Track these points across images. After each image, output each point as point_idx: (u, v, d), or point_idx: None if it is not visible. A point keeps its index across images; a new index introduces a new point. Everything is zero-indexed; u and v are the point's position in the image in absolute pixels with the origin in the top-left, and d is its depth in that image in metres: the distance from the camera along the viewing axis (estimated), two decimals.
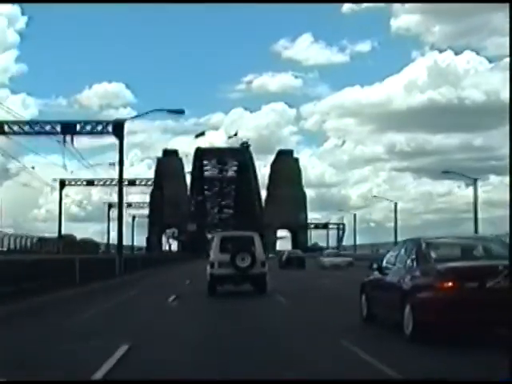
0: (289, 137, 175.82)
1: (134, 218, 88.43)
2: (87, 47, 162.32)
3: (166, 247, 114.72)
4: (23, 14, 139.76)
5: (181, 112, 33.58)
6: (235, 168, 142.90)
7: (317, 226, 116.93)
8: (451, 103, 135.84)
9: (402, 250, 10.36)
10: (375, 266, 11.35)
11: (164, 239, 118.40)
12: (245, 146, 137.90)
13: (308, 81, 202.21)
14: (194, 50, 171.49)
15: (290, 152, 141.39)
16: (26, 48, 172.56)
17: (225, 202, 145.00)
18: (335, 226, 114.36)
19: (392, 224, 74.50)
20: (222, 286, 18.46)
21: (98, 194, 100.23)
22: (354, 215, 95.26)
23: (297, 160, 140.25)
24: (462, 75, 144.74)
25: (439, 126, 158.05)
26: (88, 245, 65.54)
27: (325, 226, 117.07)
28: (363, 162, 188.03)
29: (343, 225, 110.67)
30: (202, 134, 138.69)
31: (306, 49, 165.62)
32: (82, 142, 43.07)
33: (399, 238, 63.60)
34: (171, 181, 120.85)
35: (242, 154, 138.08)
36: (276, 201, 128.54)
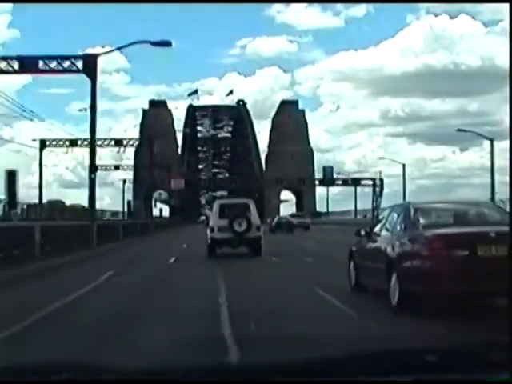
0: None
1: (124, 181, 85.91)
2: (79, 11, 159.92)
3: (156, 212, 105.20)
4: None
5: (167, 44, 27.05)
6: (231, 126, 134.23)
7: (345, 182, 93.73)
8: (446, 68, 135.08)
9: (391, 216, 9.99)
10: (363, 232, 10.99)
11: (154, 204, 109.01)
12: (241, 104, 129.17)
13: (302, 45, 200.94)
14: (187, 15, 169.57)
15: (295, 102, 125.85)
16: (19, 14, 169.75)
17: (220, 163, 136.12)
18: (369, 182, 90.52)
19: (387, 190, 73.46)
20: (220, 248, 20.46)
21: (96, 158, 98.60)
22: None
23: (303, 112, 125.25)
24: (457, 40, 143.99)
25: (434, 91, 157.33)
26: (77, 210, 64.38)
27: (355, 181, 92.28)
28: (357, 127, 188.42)
29: (381, 181, 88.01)
30: (195, 92, 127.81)
31: (301, 13, 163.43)
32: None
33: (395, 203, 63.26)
34: (159, 137, 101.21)
35: (238, 112, 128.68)
36: (278, 159, 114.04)
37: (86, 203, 32.02)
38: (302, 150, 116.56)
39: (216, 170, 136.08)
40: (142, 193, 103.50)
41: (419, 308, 8.23)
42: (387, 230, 9.92)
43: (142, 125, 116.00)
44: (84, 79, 27.85)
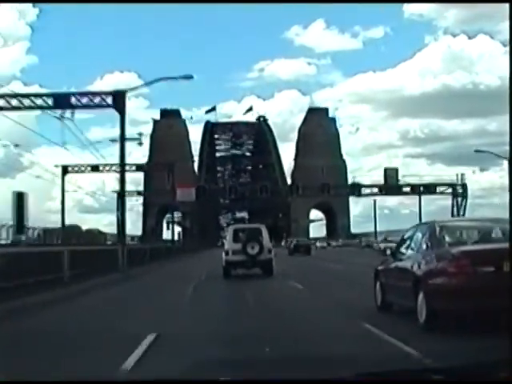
0: None
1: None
2: (98, 38, 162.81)
3: (167, 235, 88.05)
4: (34, 6, 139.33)
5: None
6: (252, 143, 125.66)
7: (413, 190, 75.23)
8: (465, 88, 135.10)
9: (416, 235, 10.28)
10: (389, 251, 11.28)
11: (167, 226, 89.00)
12: (262, 120, 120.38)
13: (321, 68, 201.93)
14: (205, 39, 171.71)
15: (325, 110, 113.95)
16: (37, 40, 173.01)
17: (240, 181, 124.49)
18: (445, 188, 75.24)
19: (406, 211, 72.42)
20: (235, 269, 22.17)
21: (111, 183, 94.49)
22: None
23: (334, 120, 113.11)
24: (475, 60, 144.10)
25: (453, 111, 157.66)
26: (93, 235, 64.76)
27: (428, 188, 74.78)
28: (377, 148, 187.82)
29: (464, 186, 72.89)
30: (213, 109, 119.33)
31: (319, 35, 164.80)
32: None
33: (403, 226, 62.70)
34: (172, 150, 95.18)
35: (259, 128, 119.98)
36: (306, 174, 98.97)
37: (106, 227, 33.26)
38: (334, 162, 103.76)
39: (236, 188, 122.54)
40: (152, 212, 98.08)
41: (447, 325, 8.47)
42: (413, 248, 10.20)
43: (152, 138, 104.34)
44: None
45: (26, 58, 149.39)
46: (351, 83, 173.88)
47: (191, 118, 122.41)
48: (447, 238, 9.30)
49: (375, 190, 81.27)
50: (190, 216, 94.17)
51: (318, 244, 76.79)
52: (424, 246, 9.68)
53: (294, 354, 7.34)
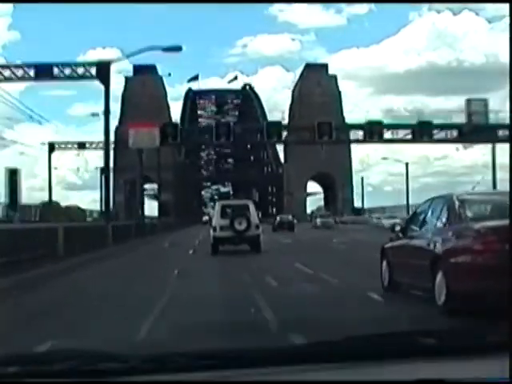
0: (287, 101, 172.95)
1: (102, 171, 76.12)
2: (80, 13, 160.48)
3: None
4: None
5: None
6: (238, 111, 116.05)
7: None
8: (450, 65, 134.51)
9: (430, 210, 9.60)
10: (398, 227, 10.63)
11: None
12: (248, 88, 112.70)
13: (305, 44, 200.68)
14: (188, 14, 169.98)
15: (324, 66, 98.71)
16: (19, 16, 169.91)
17: (224, 151, 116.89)
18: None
19: (388, 188, 71.34)
20: (223, 245, 22.38)
21: (96, 160, 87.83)
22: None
23: (335, 78, 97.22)
24: (460, 36, 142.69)
25: (438, 88, 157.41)
26: (72, 212, 63.08)
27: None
28: (360, 125, 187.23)
29: None
30: (196, 77, 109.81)
31: (303, 11, 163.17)
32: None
33: (402, 202, 63.06)
34: (147, 112, 78.24)
35: (245, 95, 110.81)
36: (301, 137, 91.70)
37: (90, 204, 32.54)
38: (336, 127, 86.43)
39: (219, 158, 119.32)
40: (120, 184, 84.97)
41: (468, 307, 7.83)
42: (427, 224, 9.54)
43: (123, 98, 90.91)
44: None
45: (7, 34, 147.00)
46: (335, 59, 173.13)
47: (169, 74, 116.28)
48: (468, 213, 8.63)
49: None
50: (168, 189, 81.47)
51: (318, 220, 60.28)
52: (442, 222, 9.02)
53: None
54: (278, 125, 50.24)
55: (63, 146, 61.97)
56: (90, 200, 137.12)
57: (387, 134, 47.69)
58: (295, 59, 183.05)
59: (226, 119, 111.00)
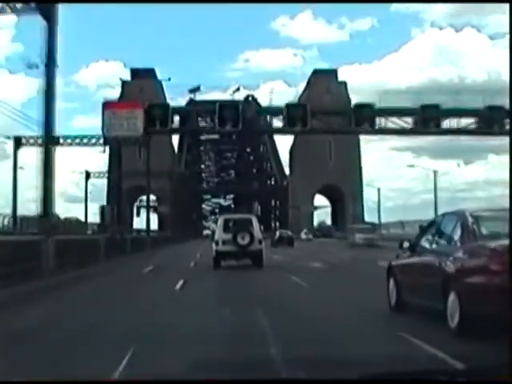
0: None
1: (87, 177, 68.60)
2: (84, 26, 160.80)
3: (140, 224, 72.85)
4: None
5: (197, 89, 24.62)
6: (241, 122, 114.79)
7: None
8: (452, 82, 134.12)
9: (442, 226, 9.20)
10: (406, 244, 10.20)
11: (137, 212, 77.02)
12: (251, 100, 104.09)
13: (307, 59, 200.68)
14: (191, 28, 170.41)
15: (334, 72, 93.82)
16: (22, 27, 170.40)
17: (225, 163, 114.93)
18: None
19: (389, 204, 68.40)
20: (225, 260, 22.45)
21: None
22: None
23: (345, 85, 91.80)
24: (462, 53, 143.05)
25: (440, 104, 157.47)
26: (73, 225, 61.28)
27: None
28: (363, 141, 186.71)
29: None
30: (198, 89, 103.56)
31: (305, 26, 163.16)
32: None
33: (401, 218, 62.13)
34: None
35: (248, 107, 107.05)
36: (309, 152, 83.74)
37: (90, 217, 30.11)
38: (346, 137, 70.92)
39: (220, 170, 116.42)
40: (116, 194, 70.30)
41: (483, 330, 7.40)
42: (438, 241, 9.12)
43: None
44: None
45: (11, 45, 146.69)
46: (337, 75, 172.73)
47: (169, 79, 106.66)
48: (483, 230, 8.21)
49: None
50: (166, 201, 77.26)
51: (357, 236, 48.01)
52: (454, 239, 8.59)
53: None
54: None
55: (32, 141, 46.99)
56: (93, 212, 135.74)
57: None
58: (297, 74, 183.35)
59: (229, 131, 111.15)
